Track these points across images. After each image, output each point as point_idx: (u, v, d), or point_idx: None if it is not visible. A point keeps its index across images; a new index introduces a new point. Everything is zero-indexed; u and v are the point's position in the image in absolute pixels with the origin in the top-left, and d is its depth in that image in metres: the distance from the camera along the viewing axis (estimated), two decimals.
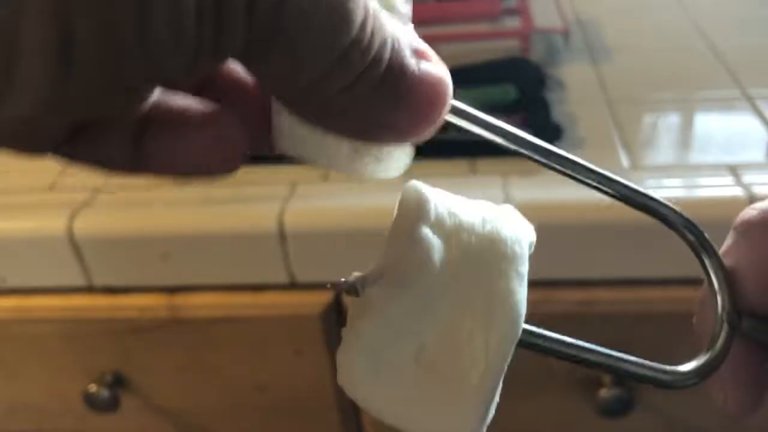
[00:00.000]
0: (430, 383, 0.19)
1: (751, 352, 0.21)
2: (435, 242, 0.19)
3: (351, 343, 0.20)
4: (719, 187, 0.46)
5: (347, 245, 0.48)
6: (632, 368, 0.21)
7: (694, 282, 0.49)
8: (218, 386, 0.56)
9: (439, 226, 0.20)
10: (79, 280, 0.52)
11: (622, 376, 0.21)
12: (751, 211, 0.21)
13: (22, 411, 0.61)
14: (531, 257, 0.21)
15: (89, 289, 0.53)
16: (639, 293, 0.48)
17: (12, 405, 0.61)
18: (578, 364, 0.21)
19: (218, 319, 0.52)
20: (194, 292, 0.52)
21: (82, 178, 0.55)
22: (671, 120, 0.55)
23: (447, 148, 0.52)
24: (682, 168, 0.49)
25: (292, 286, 0.50)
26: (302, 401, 0.56)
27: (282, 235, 0.47)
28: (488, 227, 0.20)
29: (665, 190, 0.47)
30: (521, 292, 0.19)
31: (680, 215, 0.23)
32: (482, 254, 0.20)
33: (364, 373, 0.19)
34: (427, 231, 0.19)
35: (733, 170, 0.47)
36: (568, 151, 0.55)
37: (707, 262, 0.22)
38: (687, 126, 0.54)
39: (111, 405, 0.55)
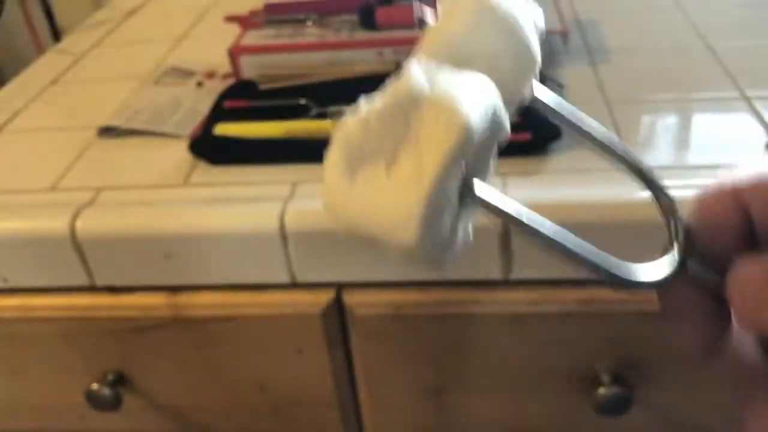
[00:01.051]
0: (393, 191, 0.22)
1: (701, 293, 0.23)
2: (419, 75, 0.22)
3: (336, 147, 0.23)
4: None
5: (348, 245, 0.48)
6: (583, 256, 0.23)
7: None
8: (220, 385, 0.57)
9: (427, 71, 0.23)
10: (81, 280, 0.52)
11: (570, 261, 0.23)
12: (709, 181, 0.24)
13: (24, 410, 0.61)
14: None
15: (91, 289, 0.53)
16: (636, 292, 0.48)
17: (14, 404, 0.61)
18: (528, 237, 0.24)
19: (220, 318, 0.52)
20: (196, 292, 0.52)
21: (83, 179, 0.55)
22: (669, 121, 0.55)
23: None
24: (680, 168, 0.50)
25: (293, 285, 0.51)
26: (303, 399, 0.57)
27: (283, 235, 0.48)
28: (466, 74, 0.23)
29: None
30: (471, 113, 0.21)
31: (634, 162, 0.26)
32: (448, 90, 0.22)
33: (341, 175, 0.22)
34: (417, 67, 0.23)
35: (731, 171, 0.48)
36: (566, 151, 0.56)
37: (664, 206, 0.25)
38: (685, 127, 0.55)
39: (113, 403, 0.56)
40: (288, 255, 0.49)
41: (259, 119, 0.56)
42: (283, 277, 0.50)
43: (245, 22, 0.68)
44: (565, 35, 0.65)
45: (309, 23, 0.67)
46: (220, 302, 0.52)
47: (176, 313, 0.53)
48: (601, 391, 0.51)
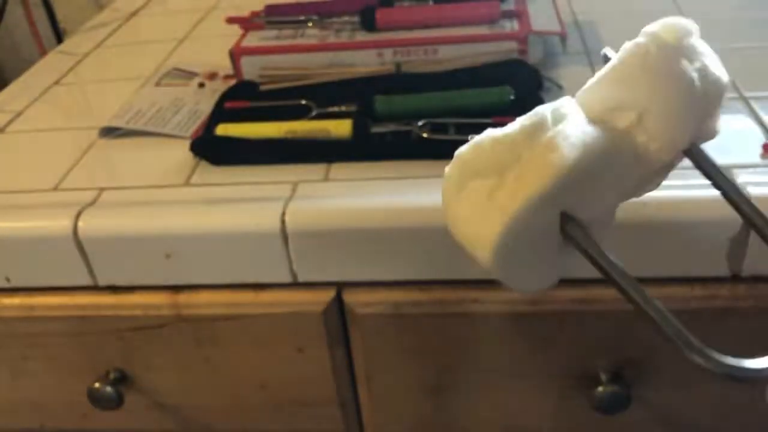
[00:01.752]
0: (489, 211, 0.25)
1: None
2: (541, 117, 0.26)
3: (454, 159, 0.27)
4: None
5: (348, 244, 0.48)
6: (672, 321, 0.23)
7: (684, 281, 0.50)
8: (221, 383, 0.57)
9: (558, 113, 0.27)
10: (83, 279, 0.53)
11: (653, 322, 0.23)
12: None
13: (27, 408, 0.62)
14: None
15: (93, 288, 0.53)
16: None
17: (16, 402, 0.61)
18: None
19: (221, 317, 0.53)
20: (197, 291, 0.53)
21: (85, 179, 0.56)
22: None
23: (445, 150, 0.53)
24: (678, 169, 0.50)
25: (294, 284, 0.51)
26: (304, 398, 0.57)
27: (284, 235, 0.48)
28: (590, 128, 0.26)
29: (661, 190, 0.47)
30: (575, 160, 0.24)
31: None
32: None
33: (452, 187, 0.26)
34: (544, 109, 0.26)
35: (728, 171, 0.48)
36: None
37: None
38: None
39: (115, 402, 0.56)
40: (289, 254, 0.49)
41: (260, 120, 0.57)
42: (284, 277, 0.51)
43: (246, 23, 0.69)
44: (563, 37, 0.65)
45: (309, 24, 0.67)
46: (221, 301, 0.52)
47: (177, 312, 0.53)
48: (600, 389, 0.51)
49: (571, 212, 0.25)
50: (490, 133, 0.26)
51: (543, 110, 0.26)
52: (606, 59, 0.28)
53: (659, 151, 0.26)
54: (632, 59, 0.26)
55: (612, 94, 0.27)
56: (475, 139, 0.26)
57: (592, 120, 0.26)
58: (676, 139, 0.26)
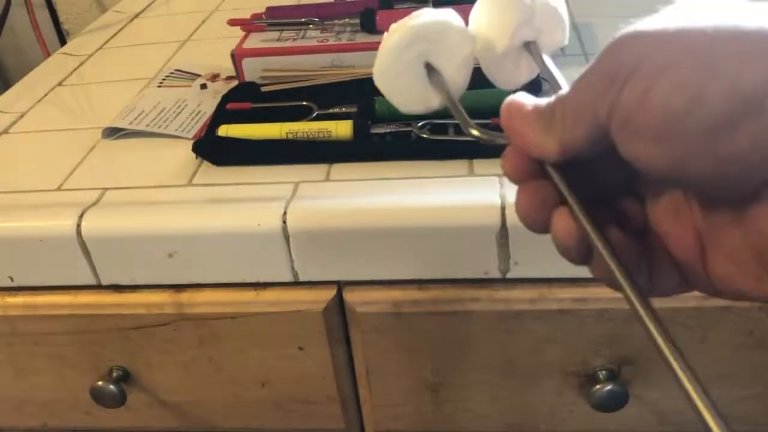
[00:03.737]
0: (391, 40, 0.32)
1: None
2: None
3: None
4: None
5: (349, 244, 0.49)
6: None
7: None
8: (222, 381, 0.58)
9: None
10: (86, 279, 0.53)
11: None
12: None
13: (30, 407, 0.62)
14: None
15: (97, 287, 0.54)
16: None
17: (20, 401, 0.62)
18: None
19: (223, 316, 0.53)
20: (199, 290, 0.53)
21: (89, 179, 0.56)
22: None
23: (445, 150, 0.53)
24: None
25: (295, 283, 0.52)
26: (305, 396, 0.57)
27: (285, 234, 0.49)
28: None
29: None
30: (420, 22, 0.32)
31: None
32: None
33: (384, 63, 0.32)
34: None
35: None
36: None
37: None
38: None
39: (117, 400, 0.57)
40: (290, 254, 0.50)
41: (261, 121, 0.57)
42: (285, 276, 0.51)
43: (248, 25, 0.69)
44: None
45: (310, 26, 0.68)
46: (223, 300, 0.53)
47: (180, 311, 0.54)
48: (597, 387, 0.52)
49: (434, 64, 0.32)
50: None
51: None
52: None
53: (495, 39, 0.35)
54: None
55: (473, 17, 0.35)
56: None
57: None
58: (503, 29, 0.34)
